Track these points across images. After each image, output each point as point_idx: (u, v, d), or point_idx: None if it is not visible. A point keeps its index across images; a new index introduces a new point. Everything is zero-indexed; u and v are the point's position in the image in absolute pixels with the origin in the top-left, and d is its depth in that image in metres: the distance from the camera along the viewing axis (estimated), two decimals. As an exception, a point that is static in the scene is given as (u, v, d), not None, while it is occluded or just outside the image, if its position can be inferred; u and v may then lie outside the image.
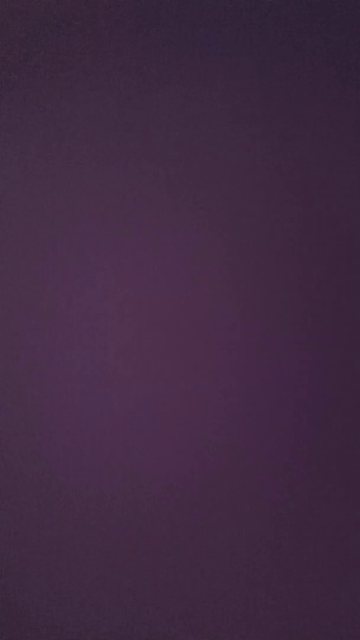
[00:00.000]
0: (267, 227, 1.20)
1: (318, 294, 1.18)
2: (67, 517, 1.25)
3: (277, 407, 1.19)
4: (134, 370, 1.23)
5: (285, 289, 1.19)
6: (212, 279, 1.21)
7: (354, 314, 1.17)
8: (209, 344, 1.21)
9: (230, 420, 1.20)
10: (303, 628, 1.18)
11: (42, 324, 1.26)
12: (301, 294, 1.18)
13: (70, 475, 1.25)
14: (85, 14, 1.24)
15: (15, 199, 1.28)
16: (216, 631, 1.20)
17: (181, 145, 1.22)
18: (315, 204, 1.18)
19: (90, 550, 1.24)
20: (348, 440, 1.17)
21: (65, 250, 1.26)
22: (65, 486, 1.25)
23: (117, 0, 1.24)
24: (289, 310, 1.19)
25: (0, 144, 1.28)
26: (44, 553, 1.26)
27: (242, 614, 1.19)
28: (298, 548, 1.18)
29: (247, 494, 1.19)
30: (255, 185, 1.20)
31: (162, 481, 1.22)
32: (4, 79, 1.28)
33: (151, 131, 1.23)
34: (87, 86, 1.26)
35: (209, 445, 1.20)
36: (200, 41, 1.22)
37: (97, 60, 1.26)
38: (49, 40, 1.27)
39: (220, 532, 1.20)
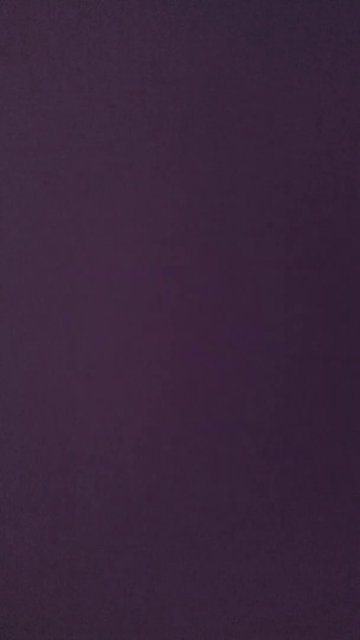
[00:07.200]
0: (267, 190, 1.19)
1: (316, 260, 1.18)
2: (65, 501, 1.25)
3: (277, 379, 1.19)
4: (131, 355, 1.23)
5: (284, 252, 1.19)
6: (211, 259, 1.20)
7: (353, 298, 1.17)
8: (209, 330, 1.20)
9: (231, 410, 1.20)
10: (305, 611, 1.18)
11: (40, 306, 1.26)
12: (299, 252, 1.18)
13: (69, 462, 1.25)
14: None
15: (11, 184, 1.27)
16: (216, 626, 1.20)
17: (183, 114, 1.22)
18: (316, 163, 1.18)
19: (91, 537, 1.24)
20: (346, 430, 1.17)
21: (64, 231, 1.25)
22: (63, 473, 1.25)
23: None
24: (288, 275, 1.19)
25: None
26: (44, 539, 1.26)
27: (243, 609, 1.20)
28: (298, 544, 1.18)
29: (248, 487, 1.19)
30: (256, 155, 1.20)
31: (162, 469, 1.22)
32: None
33: (152, 86, 1.23)
34: (87, 31, 1.25)
35: (209, 432, 1.20)
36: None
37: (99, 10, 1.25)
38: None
39: (218, 526, 1.20)
